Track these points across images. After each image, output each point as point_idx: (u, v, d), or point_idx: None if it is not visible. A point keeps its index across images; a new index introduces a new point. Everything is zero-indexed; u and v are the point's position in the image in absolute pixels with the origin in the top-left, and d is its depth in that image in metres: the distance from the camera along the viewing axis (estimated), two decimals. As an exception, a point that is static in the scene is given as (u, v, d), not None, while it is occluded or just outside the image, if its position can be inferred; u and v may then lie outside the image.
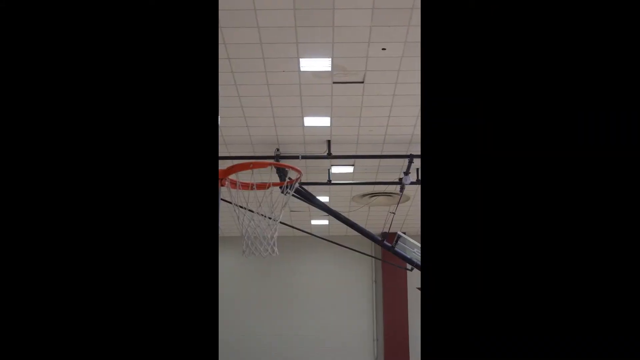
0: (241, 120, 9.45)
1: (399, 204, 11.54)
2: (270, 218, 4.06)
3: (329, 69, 8.05)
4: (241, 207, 5.59)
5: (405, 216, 14.17)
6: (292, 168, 3.99)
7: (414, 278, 14.34)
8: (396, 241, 10.64)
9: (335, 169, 11.23)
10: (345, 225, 10.74)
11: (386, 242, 10.67)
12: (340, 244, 11.70)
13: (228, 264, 15.67)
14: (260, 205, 3.98)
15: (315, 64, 7.96)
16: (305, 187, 9.99)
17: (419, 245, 10.73)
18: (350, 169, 11.45)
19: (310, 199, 10.03)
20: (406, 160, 10.34)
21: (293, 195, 7.65)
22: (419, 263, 10.72)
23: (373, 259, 15.71)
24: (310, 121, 9.58)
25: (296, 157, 10.26)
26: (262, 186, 4.12)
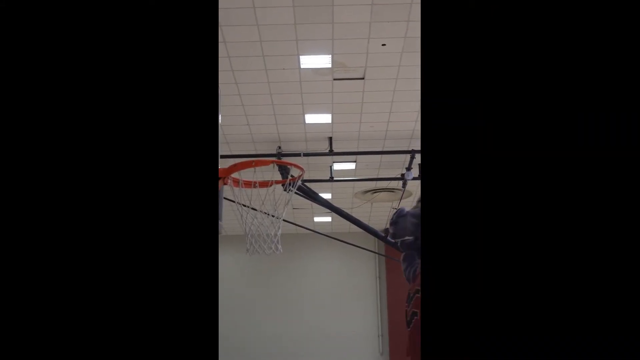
0: (242, 118, 9.45)
1: (402, 200, 11.53)
2: (273, 216, 4.05)
3: (329, 65, 8.05)
4: (244, 205, 5.58)
5: (408, 212, 14.15)
6: (295, 165, 3.98)
7: (418, 273, 14.33)
8: (399, 237, 10.62)
9: (337, 166, 11.23)
10: (348, 222, 10.73)
11: (389, 238, 10.67)
12: (344, 240, 11.70)
13: (231, 262, 15.68)
14: (263, 204, 3.98)
15: (316, 61, 7.96)
16: (307, 184, 9.99)
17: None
18: (352, 166, 11.45)
19: (313, 197, 10.03)
20: (408, 156, 10.34)
21: (296, 192, 7.64)
22: (423, 258, 10.71)
23: (376, 255, 15.72)
24: (311, 118, 9.58)
25: (298, 155, 10.26)
26: (265, 184, 4.11)
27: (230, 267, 15.79)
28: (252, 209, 4.04)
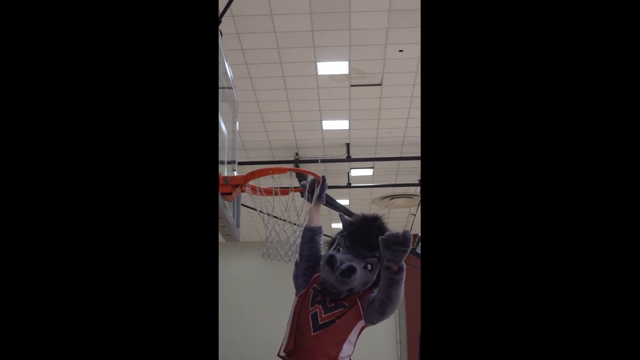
0: (260, 125, 9.48)
1: (420, 206, 11.50)
2: (296, 224, 4.02)
3: (347, 72, 8.05)
4: (261, 211, 5.53)
5: (426, 217, 14.13)
6: (312, 174, 3.97)
7: (436, 279, 14.26)
8: (417, 243, 10.61)
9: (354, 172, 11.22)
10: (365, 228, 10.67)
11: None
12: (362, 246, 11.66)
13: (248, 268, 15.70)
14: (286, 210, 3.96)
15: (333, 67, 7.97)
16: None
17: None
18: (369, 172, 11.44)
19: (331, 203, 10.01)
20: (426, 162, 10.31)
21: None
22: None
23: (394, 261, 15.64)
24: (328, 125, 9.58)
25: (315, 161, 10.26)
26: (285, 192, 4.10)
27: (247, 272, 15.80)
28: (274, 216, 4.02)
